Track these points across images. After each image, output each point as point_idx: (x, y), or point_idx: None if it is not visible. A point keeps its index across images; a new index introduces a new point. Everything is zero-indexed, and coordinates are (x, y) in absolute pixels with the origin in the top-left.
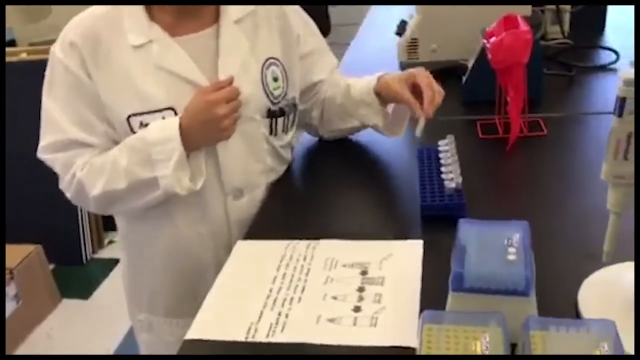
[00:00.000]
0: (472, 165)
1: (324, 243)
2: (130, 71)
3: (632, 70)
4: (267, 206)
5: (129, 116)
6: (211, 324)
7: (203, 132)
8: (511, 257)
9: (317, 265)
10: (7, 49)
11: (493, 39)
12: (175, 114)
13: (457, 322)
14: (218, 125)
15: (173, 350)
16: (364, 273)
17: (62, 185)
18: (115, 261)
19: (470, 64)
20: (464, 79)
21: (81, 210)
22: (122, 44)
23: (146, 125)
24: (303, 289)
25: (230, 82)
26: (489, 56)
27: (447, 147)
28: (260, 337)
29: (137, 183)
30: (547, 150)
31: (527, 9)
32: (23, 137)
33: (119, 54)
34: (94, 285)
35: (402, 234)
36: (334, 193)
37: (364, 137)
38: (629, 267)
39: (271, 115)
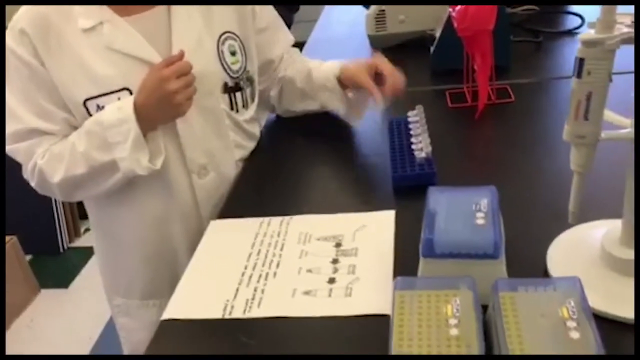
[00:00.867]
0: (442, 135)
1: (297, 218)
2: (83, 55)
3: (591, 31)
4: (238, 185)
5: (85, 100)
6: (187, 303)
7: (158, 110)
8: (480, 222)
9: (292, 239)
10: None
11: (459, 7)
12: (131, 94)
13: (429, 287)
14: (171, 101)
15: (152, 332)
16: (338, 245)
17: (26, 174)
18: (93, 249)
19: (437, 34)
20: (431, 49)
21: (55, 200)
22: (72, 28)
23: (103, 107)
24: (278, 264)
25: (180, 56)
26: (455, 24)
27: (416, 118)
28: (237, 314)
29: (97, 167)
30: (515, 116)
31: None
32: None
33: (70, 39)
34: (72, 274)
35: (374, 206)
36: (305, 168)
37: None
38: (594, 226)
39: (229, 90)
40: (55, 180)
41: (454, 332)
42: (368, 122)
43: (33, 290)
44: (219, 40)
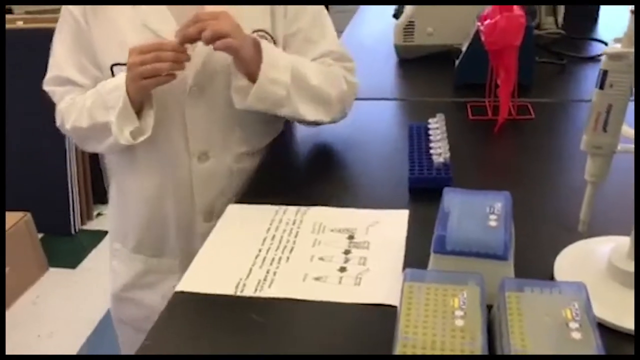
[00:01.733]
0: (460, 144)
1: (313, 209)
2: (120, 25)
3: (617, 45)
4: (257, 174)
5: (112, 65)
6: (201, 278)
7: (128, 79)
8: (492, 224)
9: (306, 229)
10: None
11: (487, 21)
12: None
13: (438, 281)
14: (130, 71)
15: (130, 279)
16: (350, 237)
17: (56, 114)
18: (104, 233)
19: (464, 48)
20: (456, 62)
21: (71, 182)
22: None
23: None
24: (291, 250)
25: (189, 24)
26: (483, 37)
27: (436, 125)
28: (249, 292)
29: (97, 125)
30: (534, 133)
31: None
32: (17, 103)
33: (114, 8)
34: (81, 255)
35: (389, 204)
36: (324, 164)
37: (357, 115)
38: (603, 241)
39: None
40: (67, 127)
41: (459, 322)
42: (388, 127)
43: (42, 268)
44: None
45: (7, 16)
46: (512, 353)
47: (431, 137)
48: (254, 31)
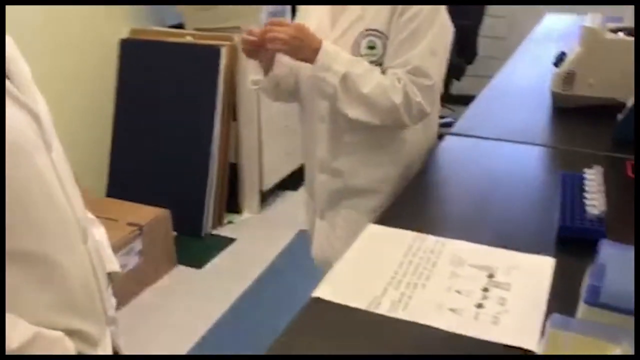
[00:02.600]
0: (616, 200)
1: (452, 242)
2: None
3: None
4: (402, 196)
5: None
6: (337, 288)
7: None
8: None
9: (444, 260)
10: (175, 30)
11: None
12: None
13: (585, 332)
14: None
15: None
16: (490, 276)
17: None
18: (230, 240)
19: (629, 103)
20: (619, 116)
21: (209, 189)
22: None
23: None
24: (428, 278)
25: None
26: None
27: (593, 177)
28: (382, 310)
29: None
30: None
31: None
32: (177, 112)
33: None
34: (207, 257)
35: (532, 249)
36: (470, 198)
37: (505, 155)
38: None
39: None
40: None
41: None
42: (537, 171)
43: (171, 264)
44: (360, 34)
45: (178, 30)
46: None
47: (586, 188)
48: (367, 30)
